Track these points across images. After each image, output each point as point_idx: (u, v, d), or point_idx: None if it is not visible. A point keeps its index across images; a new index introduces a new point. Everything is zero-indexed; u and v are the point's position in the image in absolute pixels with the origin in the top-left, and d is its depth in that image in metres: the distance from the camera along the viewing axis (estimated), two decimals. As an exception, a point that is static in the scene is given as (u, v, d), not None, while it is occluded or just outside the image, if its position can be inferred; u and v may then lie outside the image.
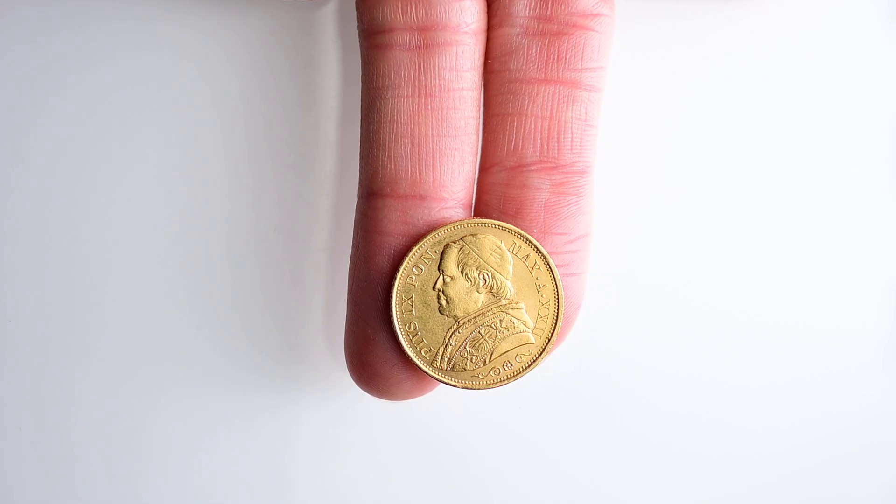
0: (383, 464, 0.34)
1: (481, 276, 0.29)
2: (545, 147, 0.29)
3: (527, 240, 0.29)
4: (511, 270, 0.29)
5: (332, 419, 0.34)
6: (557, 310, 0.29)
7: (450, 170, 0.29)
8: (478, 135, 0.30)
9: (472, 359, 0.29)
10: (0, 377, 0.34)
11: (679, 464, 0.34)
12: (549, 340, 0.29)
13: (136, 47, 0.33)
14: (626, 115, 0.33)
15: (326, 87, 0.34)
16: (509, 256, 0.29)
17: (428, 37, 0.29)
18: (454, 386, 0.29)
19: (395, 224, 0.29)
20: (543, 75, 0.29)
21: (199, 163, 0.34)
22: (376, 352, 0.30)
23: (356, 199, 0.31)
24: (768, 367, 0.34)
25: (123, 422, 0.34)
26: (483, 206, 0.30)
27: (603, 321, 0.34)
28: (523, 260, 0.29)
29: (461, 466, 0.34)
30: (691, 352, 0.34)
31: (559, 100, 0.29)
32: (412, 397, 0.31)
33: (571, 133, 0.29)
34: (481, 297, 0.29)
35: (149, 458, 0.34)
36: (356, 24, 0.31)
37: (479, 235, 0.29)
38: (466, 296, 0.29)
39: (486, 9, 0.30)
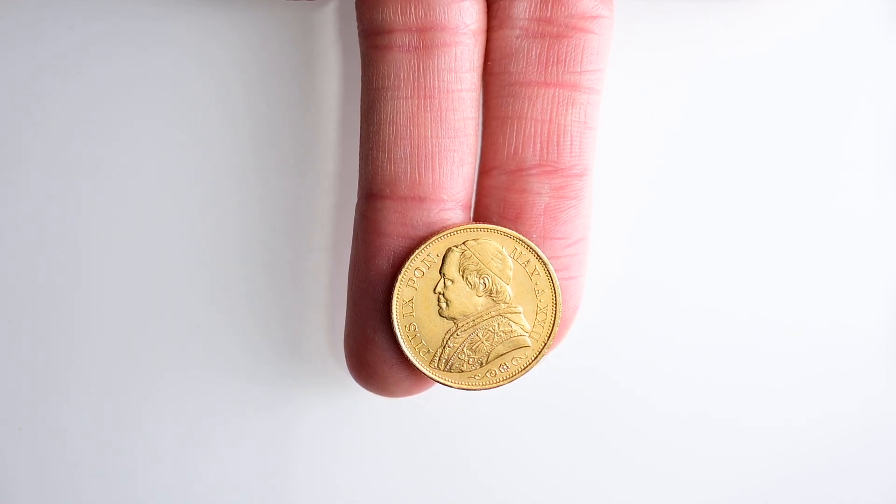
0: (384, 463, 0.34)
1: (482, 281, 0.29)
2: (545, 150, 0.29)
3: (528, 246, 0.29)
4: (511, 275, 0.29)
5: (332, 418, 0.34)
6: (555, 315, 0.29)
7: (449, 171, 0.29)
8: (477, 136, 0.30)
9: (468, 361, 0.29)
10: (0, 377, 0.34)
11: (678, 463, 0.34)
12: (545, 345, 0.29)
13: (134, 47, 0.33)
14: (625, 116, 0.33)
15: (326, 88, 0.34)
16: (510, 262, 0.29)
17: (427, 38, 0.29)
18: (451, 386, 0.30)
19: (394, 225, 0.29)
20: (543, 78, 0.29)
21: (199, 163, 0.34)
22: (375, 351, 0.30)
23: (356, 200, 0.31)
24: (768, 367, 0.34)
25: (123, 422, 0.34)
26: (483, 210, 0.30)
27: (602, 322, 0.34)
28: (523, 265, 0.29)
29: (462, 466, 0.35)
30: (691, 352, 0.34)
31: (559, 103, 0.29)
32: (411, 395, 0.31)
33: (571, 136, 0.29)
34: (481, 301, 0.29)
35: (149, 458, 0.34)
36: (356, 24, 0.31)
37: (480, 240, 0.29)
38: (466, 299, 0.29)
39: (485, 10, 0.30)
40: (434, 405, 0.34)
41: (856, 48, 0.34)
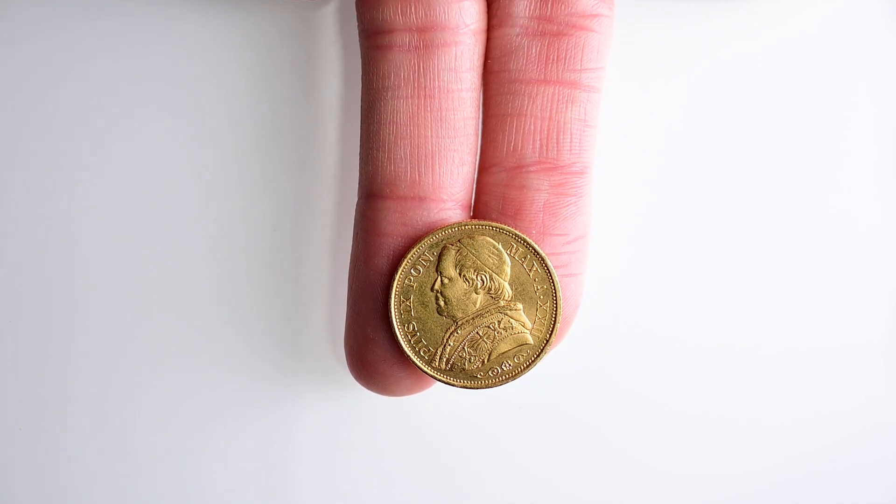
0: (384, 462, 0.34)
1: (479, 278, 0.29)
2: (544, 148, 0.29)
3: (524, 241, 0.29)
4: (509, 272, 0.29)
5: (332, 417, 0.34)
6: (556, 311, 0.29)
7: (449, 171, 0.29)
8: (477, 135, 0.30)
9: (470, 359, 0.29)
10: (0, 377, 0.34)
11: (679, 462, 0.34)
12: (547, 341, 0.29)
13: (134, 48, 0.33)
14: (625, 115, 0.33)
15: (327, 88, 0.34)
16: (507, 258, 0.29)
17: (427, 37, 0.29)
18: (453, 385, 0.29)
19: (394, 225, 0.29)
20: (543, 76, 0.29)
21: (199, 162, 0.34)
22: (376, 351, 0.30)
23: (356, 200, 0.31)
24: (768, 366, 0.34)
25: (123, 421, 0.34)
26: (482, 207, 0.30)
27: (602, 321, 0.34)
28: (521, 261, 0.29)
29: (462, 465, 0.34)
30: (691, 351, 0.34)
31: (558, 100, 0.29)
32: (412, 393, 0.31)
33: (570, 133, 0.29)
34: (479, 299, 0.29)
35: (149, 458, 0.34)
36: (356, 24, 0.31)
37: (476, 237, 0.29)
38: (465, 297, 0.29)
39: (485, 9, 0.30)
40: (434, 404, 0.34)
41: (856, 48, 0.34)
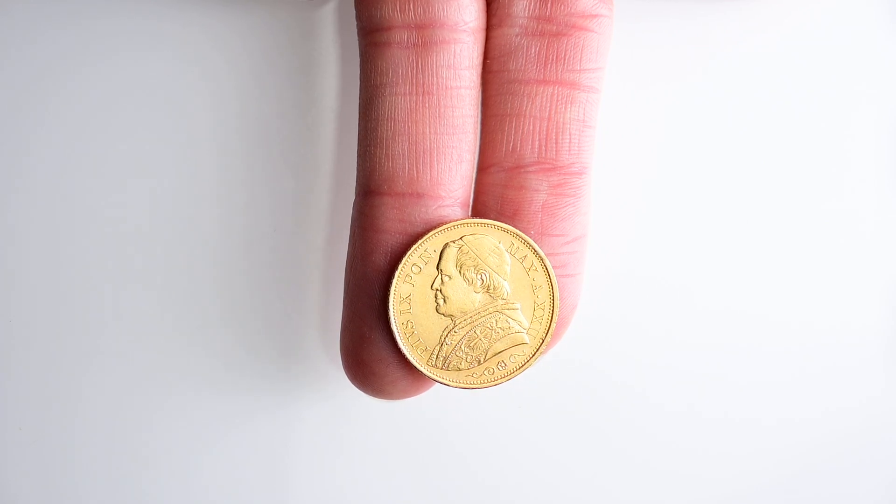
0: (383, 463, 0.34)
1: (479, 276, 0.29)
2: (543, 148, 0.29)
3: (525, 241, 0.29)
4: (509, 271, 0.29)
5: (331, 419, 0.34)
6: (552, 311, 0.29)
7: (447, 168, 0.29)
8: (476, 133, 0.30)
9: (466, 358, 0.29)
10: (0, 377, 0.34)
11: (678, 461, 0.34)
12: (543, 341, 0.29)
13: (133, 46, 0.33)
14: (624, 115, 0.33)
15: (325, 87, 0.34)
16: (507, 257, 0.29)
17: (426, 35, 0.29)
18: (448, 385, 0.29)
19: (392, 222, 0.29)
20: (542, 76, 0.29)
21: (199, 163, 0.34)
22: (372, 350, 0.30)
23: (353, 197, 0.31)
24: (767, 365, 0.34)
25: (123, 422, 0.34)
26: (481, 207, 0.30)
27: (601, 320, 0.34)
28: (521, 261, 0.29)
29: (461, 465, 0.34)
30: (690, 350, 0.34)
31: (558, 101, 0.29)
32: (407, 396, 0.31)
33: (569, 134, 0.29)
34: (478, 297, 0.29)
35: (149, 459, 0.34)
36: (355, 22, 0.31)
37: (478, 235, 0.29)
38: (464, 295, 0.29)
39: (485, 8, 0.30)
40: (433, 405, 0.34)
41: (856, 48, 0.34)
